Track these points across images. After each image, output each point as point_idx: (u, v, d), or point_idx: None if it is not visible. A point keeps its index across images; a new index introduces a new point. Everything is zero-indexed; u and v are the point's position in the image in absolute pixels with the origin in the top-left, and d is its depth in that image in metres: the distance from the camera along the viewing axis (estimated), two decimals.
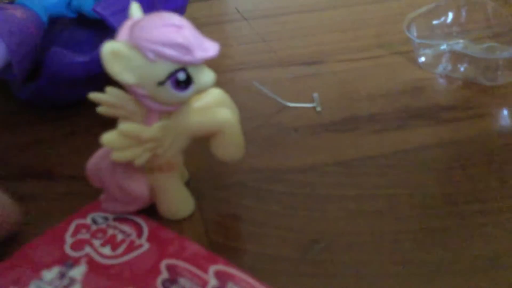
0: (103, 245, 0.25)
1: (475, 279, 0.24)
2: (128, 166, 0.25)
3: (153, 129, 0.24)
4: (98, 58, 0.23)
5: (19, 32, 0.33)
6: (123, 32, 0.22)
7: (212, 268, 0.24)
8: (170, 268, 0.24)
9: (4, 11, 0.33)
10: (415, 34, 0.42)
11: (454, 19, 0.44)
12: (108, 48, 0.21)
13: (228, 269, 0.24)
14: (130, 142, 0.24)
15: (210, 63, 0.23)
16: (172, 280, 0.23)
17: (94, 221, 0.27)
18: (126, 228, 0.27)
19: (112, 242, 0.26)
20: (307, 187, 0.30)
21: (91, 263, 0.25)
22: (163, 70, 0.22)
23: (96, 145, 0.24)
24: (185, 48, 0.22)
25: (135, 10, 0.24)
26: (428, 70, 0.41)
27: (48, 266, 0.25)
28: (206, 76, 0.23)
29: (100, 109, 0.24)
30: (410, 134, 0.34)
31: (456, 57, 0.41)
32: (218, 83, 0.25)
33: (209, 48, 0.23)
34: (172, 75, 0.22)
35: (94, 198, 0.28)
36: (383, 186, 0.30)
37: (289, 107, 0.38)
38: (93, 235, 0.26)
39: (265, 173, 0.31)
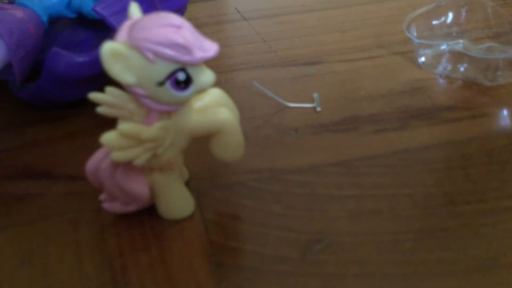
0: None
1: (475, 279, 0.24)
2: (128, 166, 0.25)
3: (153, 129, 0.24)
4: (98, 58, 0.23)
5: (19, 32, 0.33)
6: (123, 32, 0.22)
7: None
8: None
9: (4, 11, 0.33)
10: (415, 34, 0.42)
11: (454, 19, 0.44)
12: (107, 48, 0.21)
13: None
14: (130, 142, 0.24)
15: (210, 63, 0.23)
16: None
17: None
18: None
19: None
20: (307, 187, 0.30)
21: None
22: (162, 70, 0.22)
23: (96, 145, 0.24)
24: (184, 48, 0.22)
25: (135, 10, 0.24)
26: (428, 70, 0.41)
27: None
28: (206, 76, 0.23)
29: (100, 109, 0.24)
30: (410, 134, 0.34)
31: (456, 57, 0.41)
32: (218, 83, 0.25)
33: (208, 48, 0.23)
34: (171, 75, 0.22)
35: (94, 198, 0.28)
36: (383, 186, 0.30)
37: (289, 107, 0.38)
38: None
39: (265, 173, 0.31)
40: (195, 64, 0.23)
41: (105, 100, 0.23)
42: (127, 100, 0.24)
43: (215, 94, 0.27)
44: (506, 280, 0.24)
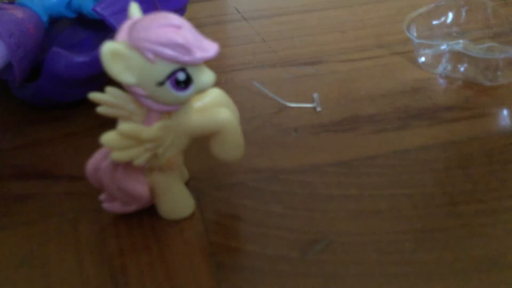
0: None
1: (475, 279, 0.24)
2: (128, 166, 0.25)
3: (153, 129, 0.24)
4: (98, 58, 0.23)
5: (19, 32, 0.33)
6: (123, 32, 0.22)
7: None
8: None
9: (4, 11, 0.33)
10: (415, 34, 0.42)
11: (454, 19, 0.44)
12: (107, 48, 0.21)
13: None
14: (130, 142, 0.24)
15: (210, 63, 0.23)
16: None
17: None
18: None
19: None
20: (307, 187, 0.30)
21: None
22: (162, 70, 0.22)
23: (96, 145, 0.24)
24: (184, 48, 0.22)
25: (135, 10, 0.24)
26: (428, 70, 0.41)
27: None
28: (206, 76, 0.23)
29: (100, 109, 0.24)
30: (410, 134, 0.34)
31: (456, 57, 0.41)
32: (218, 83, 0.25)
33: (208, 48, 0.23)
34: (171, 76, 0.22)
35: (94, 198, 0.28)
36: (383, 186, 0.30)
37: (289, 107, 0.38)
38: None
39: (265, 173, 0.31)
40: (195, 64, 0.23)
41: (105, 100, 0.23)
42: (127, 100, 0.24)
43: (215, 94, 0.27)
44: (506, 280, 0.24)
